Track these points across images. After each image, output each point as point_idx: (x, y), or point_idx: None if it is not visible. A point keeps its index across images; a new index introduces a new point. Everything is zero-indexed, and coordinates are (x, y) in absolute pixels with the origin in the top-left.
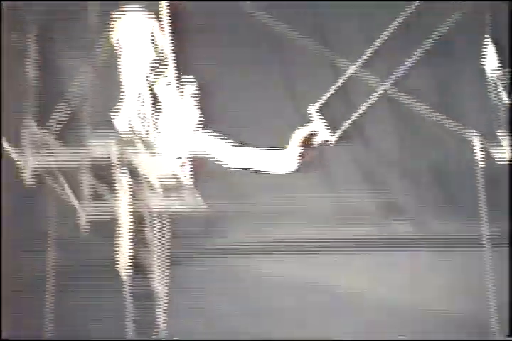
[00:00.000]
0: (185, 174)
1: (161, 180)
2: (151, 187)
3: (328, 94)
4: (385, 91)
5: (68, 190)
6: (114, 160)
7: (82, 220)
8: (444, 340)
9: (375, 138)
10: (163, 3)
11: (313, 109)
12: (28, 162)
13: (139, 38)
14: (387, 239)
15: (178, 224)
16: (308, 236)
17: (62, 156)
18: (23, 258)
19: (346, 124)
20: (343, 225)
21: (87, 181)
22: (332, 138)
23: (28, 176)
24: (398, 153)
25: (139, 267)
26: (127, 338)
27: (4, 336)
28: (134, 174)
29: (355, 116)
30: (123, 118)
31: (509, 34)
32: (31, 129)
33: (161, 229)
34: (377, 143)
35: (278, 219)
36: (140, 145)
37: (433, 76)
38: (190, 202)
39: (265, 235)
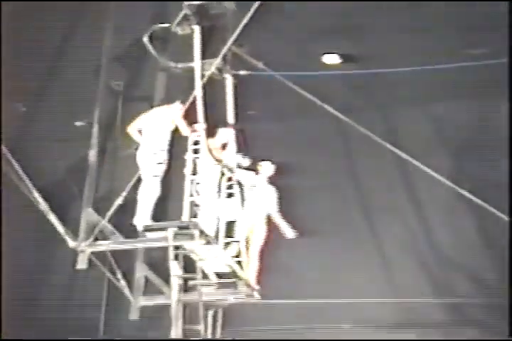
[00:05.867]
0: (241, 266)
1: (216, 273)
2: (206, 278)
3: None
4: None
5: (122, 281)
6: (171, 251)
7: (134, 311)
8: (449, 340)
9: None
10: None
11: None
12: (83, 247)
13: None
14: None
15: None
16: None
17: (119, 244)
18: None
19: None
20: None
21: (141, 271)
22: None
23: (82, 260)
24: None
25: None
26: None
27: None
28: (189, 266)
29: None
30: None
31: (509, 34)
32: (90, 216)
33: (214, 320)
34: None
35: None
36: (197, 234)
37: None
38: (244, 292)
39: None
